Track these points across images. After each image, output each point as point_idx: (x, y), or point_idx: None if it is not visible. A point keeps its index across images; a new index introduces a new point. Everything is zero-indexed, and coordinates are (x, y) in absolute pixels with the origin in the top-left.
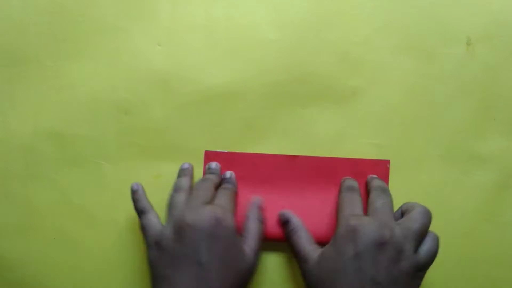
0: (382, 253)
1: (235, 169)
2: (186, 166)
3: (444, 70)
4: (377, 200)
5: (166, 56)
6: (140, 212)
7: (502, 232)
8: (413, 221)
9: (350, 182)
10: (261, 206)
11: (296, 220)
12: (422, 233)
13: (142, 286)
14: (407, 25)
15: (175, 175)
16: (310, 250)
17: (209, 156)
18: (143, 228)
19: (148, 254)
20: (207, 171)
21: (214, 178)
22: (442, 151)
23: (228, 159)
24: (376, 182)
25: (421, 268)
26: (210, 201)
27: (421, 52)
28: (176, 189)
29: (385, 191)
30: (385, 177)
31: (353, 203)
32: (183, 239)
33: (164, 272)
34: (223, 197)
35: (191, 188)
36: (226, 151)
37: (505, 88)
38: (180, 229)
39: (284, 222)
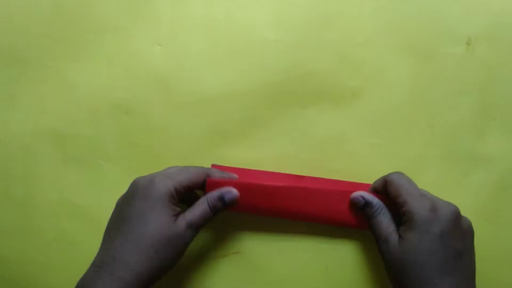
0: (457, 224)
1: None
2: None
3: (444, 70)
4: (415, 187)
5: (166, 56)
6: None
7: (502, 232)
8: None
9: (395, 174)
10: (223, 196)
11: (375, 201)
12: None
13: None
14: (407, 25)
15: None
16: (392, 231)
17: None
18: None
19: None
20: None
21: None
22: (442, 151)
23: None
24: (397, 175)
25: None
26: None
27: (421, 52)
28: None
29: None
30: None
31: (412, 183)
32: (124, 199)
33: (110, 231)
34: (179, 170)
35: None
36: (231, 166)
37: (505, 88)
38: (127, 192)
39: (363, 205)
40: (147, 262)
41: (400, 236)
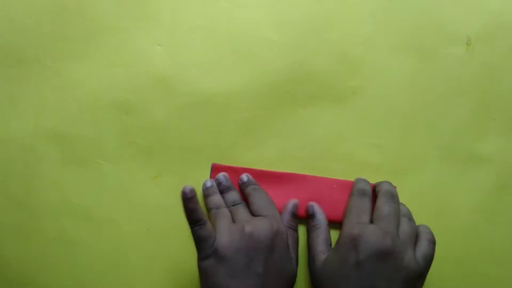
0: (384, 262)
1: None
2: (209, 184)
3: (444, 70)
4: (384, 207)
5: (166, 56)
6: (196, 222)
7: (501, 232)
8: (410, 226)
9: (363, 184)
10: (295, 212)
11: (321, 217)
12: (416, 235)
13: (141, 286)
14: (407, 25)
15: (174, 175)
16: (321, 251)
17: (217, 169)
18: (202, 239)
19: (202, 263)
20: (218, 185)
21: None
22: (442, 151)
23: (234, 173)
24: (384, 186)
25: (422, 275)
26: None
27: (421, 52)
28: (216, 207)
29: (394, 197)
30: None
31: (360, 210)
32: (242, 249)
33: (222, 281)
34: (266, 206)
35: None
36: (232, 165)
37: (505, 88)
38: (240, 240)
39: (309, 215)
40: None
41: (326, 256)
